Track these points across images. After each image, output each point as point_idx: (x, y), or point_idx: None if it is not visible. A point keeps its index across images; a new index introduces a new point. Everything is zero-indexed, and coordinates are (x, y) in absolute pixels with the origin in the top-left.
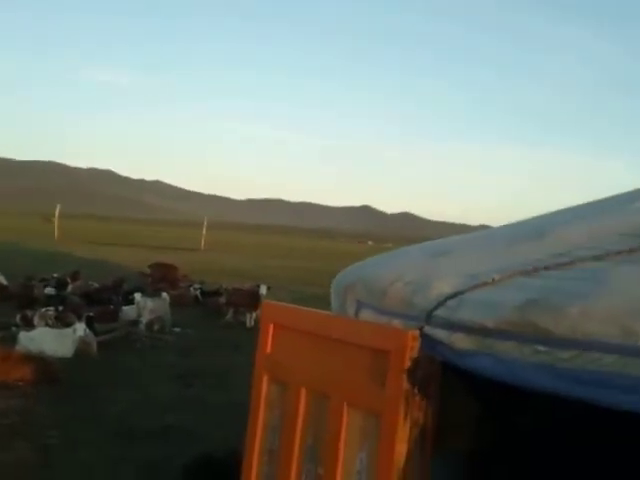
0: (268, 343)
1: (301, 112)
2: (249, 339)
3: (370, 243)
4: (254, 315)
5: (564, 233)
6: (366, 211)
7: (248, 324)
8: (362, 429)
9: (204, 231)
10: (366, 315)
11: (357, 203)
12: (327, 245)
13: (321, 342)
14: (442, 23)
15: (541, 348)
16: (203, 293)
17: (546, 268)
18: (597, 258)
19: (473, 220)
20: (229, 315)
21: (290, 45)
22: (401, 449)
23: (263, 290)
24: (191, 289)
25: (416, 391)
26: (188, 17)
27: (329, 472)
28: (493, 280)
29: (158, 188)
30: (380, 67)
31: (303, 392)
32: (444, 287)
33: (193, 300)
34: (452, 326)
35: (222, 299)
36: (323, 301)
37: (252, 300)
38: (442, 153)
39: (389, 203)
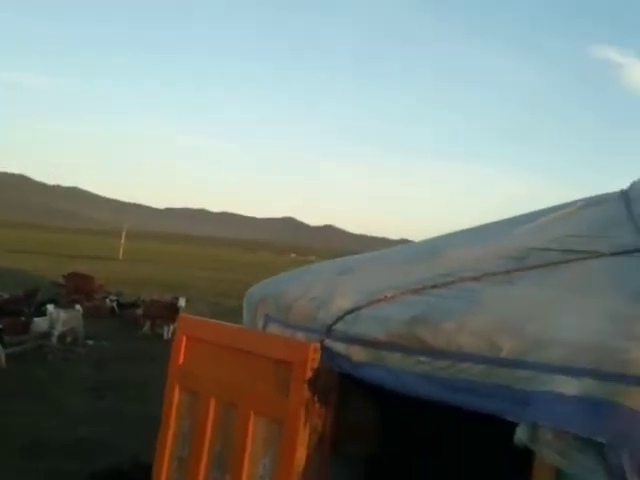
0: (181, 354)
1: (225, 121)
2: (166, 351)
3: (293, 255)
4: (172, 327)
5: (452, 255)
6: (289, 223)
7: (166, 336)
8: (266, 436)
9: (123, 240)
10: (273, 328)
11: (280, 215)
12: (249, 257)
13: (230, 354)
14: (369, 39)
15: (422, 359)
16: (120, 305)
17: (432, 287)
18: (476, 279)
19: (394, 234)
20: (146, 327)
21: (217, 52)
22: (301, 454)
23: (182, 302)
24: (107, 300)
25: (316, 400)
26: (106, 22)
27: (235, 478)
28: (386, 297)
29: (75, 195)
30: (308, 76)
31: (212, 402)
32: (344, 303)
33: (109, 312)
34: (349, 339)
35: (139, 311)
36: (241, 314)
37: (170, 312)
38: (365, 167)
39: (312, 215)
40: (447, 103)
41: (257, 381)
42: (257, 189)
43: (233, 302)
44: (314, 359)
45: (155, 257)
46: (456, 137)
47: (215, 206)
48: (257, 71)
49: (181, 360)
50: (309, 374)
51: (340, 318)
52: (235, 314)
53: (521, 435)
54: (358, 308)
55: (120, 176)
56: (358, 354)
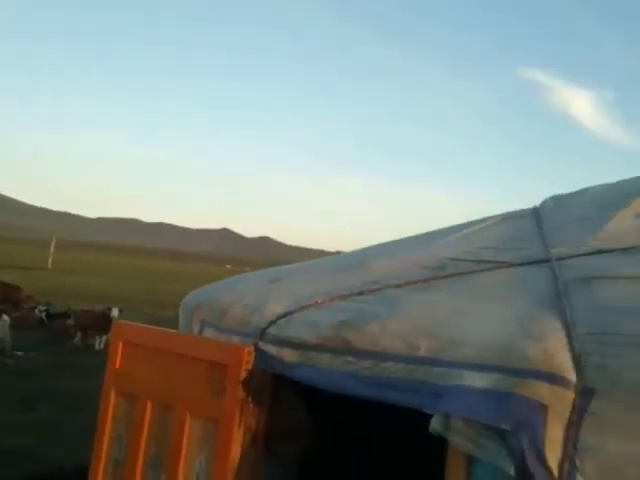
0: (117, 359)
1: (160, 130)
2: (99, 362)
3: (228, 266)
4: (104, 338)
5: (378, 265)
6: (225, 234)
7: (98, 347)
8: (201, 435)
9: (52, 250)
10: (209, 333)
11: (216, 226)
12: (185, 267)
13: (167, 358)
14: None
15: (349, 359)
16: (49, 315)
17: (358, 294)
18: (398, 286)
19: (330, 247)
20: (77, 338)
21: (153, 59)
22: (236, 452)
23: (115, 312)
24: (36, 311)
25: (250, 400)
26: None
27: (171, 476)
28: (316, 303)
29: (1, 202)
30: (242, 85)
31: (149, 404)
32: (276, 308)
33: (38, 322)
34: (281, 342)
35: (70, 321)
36: (177, 324)
37: (102, 322)
38: (302, 179)
39: (248, 227)
40: (378, 118)
41: (193, 383)
42: (192, 200)
43: (169, 312)
44: (248, 361)
45: (86, 267)
46: (391, 152)
47: (148, 216)
48: (191, 82)
49: (117, 364)
50: (243, 375)
51: (273, 322)
52: (171, 324)
53: (435, 425)
54: (290, 313)
55: (49, 184)
56: (290, 355)
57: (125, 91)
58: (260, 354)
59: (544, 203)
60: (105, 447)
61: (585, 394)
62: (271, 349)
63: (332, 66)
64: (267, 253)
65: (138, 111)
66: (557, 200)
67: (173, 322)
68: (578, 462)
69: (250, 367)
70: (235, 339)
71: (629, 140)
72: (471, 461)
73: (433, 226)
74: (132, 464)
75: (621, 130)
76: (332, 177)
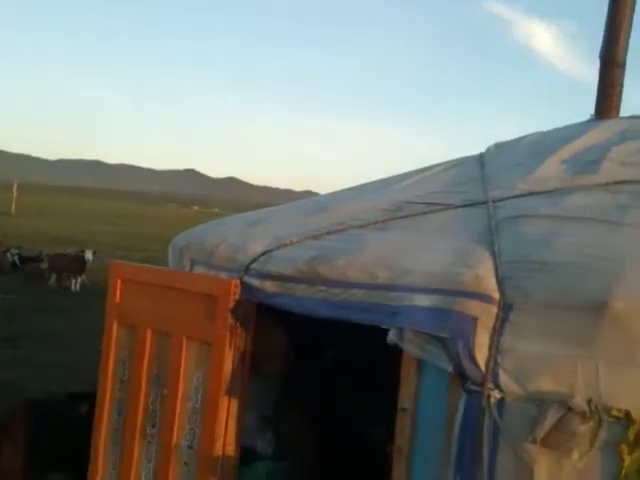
0: (117, 295)
1: (121, 69)
2: (76, 304)
3: (195, 208)
4: (79, 280)
5: (343, 208)
6: (191, 175)
7: (73, 289)
8: (197, 356)
9: (15, 194)
10: (199, 270)
11: (181, 166)
12: (151, 209)
13: (163, 292)
14: None
15: (321, 288)
16: (22, 259)
17: (327, 233)
18: (361, 226)
19: (297, 186)
20: (52, 280)
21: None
22: (227, 368)
23: (89, 255)
24: (8, 255)
25: (238, 325)
26: None
27: (172, 391)
28: (291, 242)
29: None
30: (209, 26)
31: (149, 332)
32: (257, 247)
33: (10, 266)
34: (263, 276)
35: (43, 264)
36: (152, 264)
37: (77, 265)
38: (269, 120)
39: (214, 167)
40: (342, 58)
41: (188, 312)
42: (155, 140)
43: (140, 255)
44: (235, 292)
45: (51, 211)
46: (358, 94)
47: (111, 158)
48: (151, 16)
49: (117, 300)
50: (232, 305)
51: (255, 259)
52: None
53: (392, 337)
54: (269, 251)
55: (5, 125)
56: (271, 287)
57: (81, 27)
58: (245, 286)
59: (488, 150)
60: (111, 370)
61: (505, 308)
62: (254, 282)
63: (307, 7)
64: (235, 194)
65: (96, 49)
66: (499, 147)
67: (146, 263)
68: (499, 360)
69: (237, 298)
70: (223, 274)
71: (591, 74)
72: (420, 364)
73: (396, 166)
74: (136, 383)
75: (583, 63)
76: (299, 117)
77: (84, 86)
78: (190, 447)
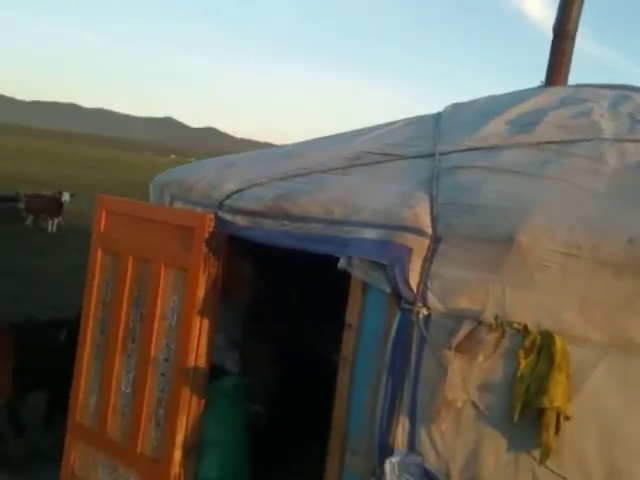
0: (102, 225)
1: (100, 12)
2: (53, 243)
3: (173, 157)
4: (56, 221)
5: (310, 155)
6: (169, 123)
7: (50, 230)
8: (174, 281)
9: None
10: (178, 205)
11: (159, 114)
12: (128, 156)
13: (144, 224)
14: None
15: (285, 222)
16: None
17: (293, 176)
18: (323, 171)
19: (277, 140)
20: (29, 220)
21: None
22: (201, 293)
23: (66, 197)
24: None
25: (211, 255)
26: None
27: (150, 311)
28: (261, 182)
29: None
30: None
31: (130, 259)
32: (231, 186)
33: None
34: (235, 211)
35: (20, 204)
36: None
37: (54, 206)
38: (252, 72)
39: (193, 117)
40: (326, 10)
41: (167, 242)
42: (134, 86)
43: None
44: (210, 225)
45: (25, 153)
46: (346, 50)
47: (88, 101)
48: None
49: (102, 229)
50: (206, 236)
51: (228, 196)
52: None
53: (342, 263)
54: (241, 189)
55: None
56: (242, 221)
57: None
58: (219, 220)
59: (445, 109)
60: (95, 293)
61: (436, 241)
62: (227, 216)
63: None
64: (213, 144)
65: None
66: (455, 107)
67: None
68: (428, 283)
69: (211, 230)
70: (199, 209)
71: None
72: (364, 287)
73: (373, 121)
74: (118, 304)
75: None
76: (280, 71)
77: (61, 23)
78: (166, 360)
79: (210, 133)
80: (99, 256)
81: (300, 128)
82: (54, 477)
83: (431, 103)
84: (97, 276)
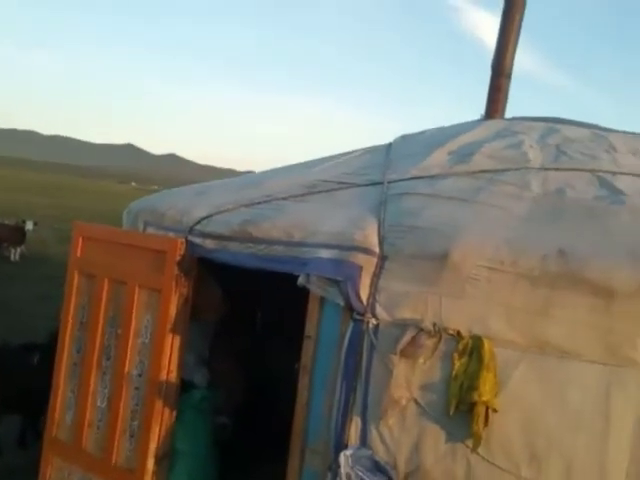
0: (78, 250)
1: (58, 37)
2: (17, 272)
3: (134, 184)
4: (19, 250)
5: (271, 183)
6: (130, 150)
7: (13, 258)
8: (148, 301)
9: None
10: (151, 230)
11: (120, 141)
12: (88, 184)
13: (120, 248)
14: None
15: (250, 245)
16: None
17: (257, 203)
18: (284, 198)
19: (240, 166)
20: None
21: None
22: (172, 311)
23: (29, 225)
24: None
25: (183, 276)
26: None
27: (125, 330)
28: (228, 209)
29: None
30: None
31: (106, 281)
32: (200, 212)
33: None
34: (204, 235)
35: None
36: None
37: (17, 235)
38: (212, 97)
39: (155, 143)
40: (283, 35)
41: (141, 265)
42: (93, 112)
43: None
44: (181, 248)
45: None
46: (299, 74)
47: (46, 129)
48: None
49: (78, 254)
50: (178, 259)
51: (198, 222)
52: None
53: (302, 280)
54: (210, 215)
55: None
56: (211, 244)
57: None
58: (189, 244)
59: (396, 140)
60: (72, 314)
61: (383, 259)
62: (197, 240)
63: None
64: (175, 171)
65: (31, 16)
66: (404, 138)
67: None
68: (377, 296)
69: (182, 253)
70: (171, 234)
71: (534, 65)
72: (321, 301)
73: (339, 146)
74: (94, 324)
75: (527, 55)
76: (243, 96)
77: (17, 52)
78: (140, 375)
79: (171, 160)
80: (76, 279)
81: (261, 154)
82: None
83: (392, 127)
84: (74, 298)
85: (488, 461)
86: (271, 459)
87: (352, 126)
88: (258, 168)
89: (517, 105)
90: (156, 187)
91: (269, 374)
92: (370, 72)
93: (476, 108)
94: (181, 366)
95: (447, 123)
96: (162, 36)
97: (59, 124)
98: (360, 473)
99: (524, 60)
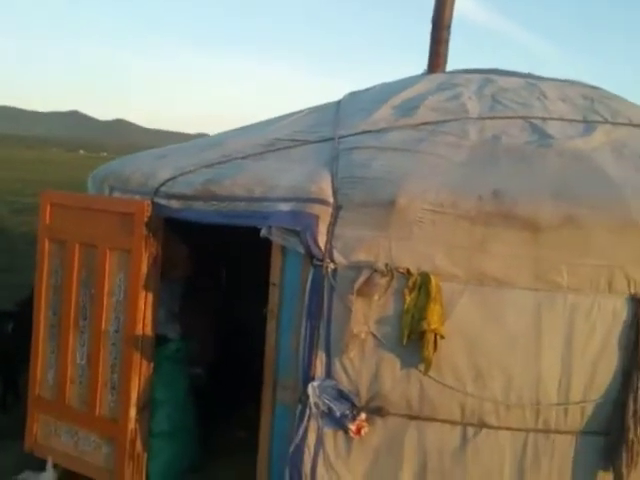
0: (47, 217)
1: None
2: None
3: (82, 152)
4: None
5: (230, 143)
6: (75, 117)
7: None
8: (119, 262)
9: None
10: (117, 194)
11: (65, 108)
12: (35, 154)
13: (88, 213)
14: None
15: (213, 202)
16: None
17: (218, 163)
18: (243, 158)
19: (190, 129)
20: None
21: None
22: (143, 269)
23: None
24: None
25: (151, 236)
26: None
27: (99, 289)
28: (190, 170)
29: None
30: None
31: (77, 246)
32: (164, 175)
33: None
34: (169, 196)
35: None
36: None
37: None
38: (157, 60)
39: (101, 109)
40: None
41: (110, 228)
42: (36, 80)
43: (30, 200)
44: (148, 210)
45: None
46: (248, 32)
47: None
48: None
49: (47, 221)
50: (145, 220)
51: (163, 184)
52: (34, 211)
53: (264, 232)
54: (174, 177)
55: None
56: (176, 204)
57: None
58: (155, 205)
59: (344, 97)
60: (45, 279)
61: (337, 209)
62: (163, 201)
63: None
64: (124, 137)
65: None
66: (352, 95)
67: (35, 209)
68: (333, 243)
69: (149, 214)
70: (137, 197)
71: (497, 23)
72: (283, 250)
73: (290, 107)
74: (68, 286)
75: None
76: (190, 56)
77: None
78: (116, 331)
79: (119, 125)
80: (46, 246)
81: (212, 117)
82: (19, 451)
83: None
84: (46, 264)
85: (438, 382)
86: (243, 406)
87: (303, 87)
88: (210, 130)
89: (462, 53)
90: (105, 154)
91: (238, 327)
92: (316, 34)
93: (420, 61)
94: (155, 320)
95: (397, 76)
96: (105, 1)
97: (2, 94)
98: (327, 401)
99: (468, 6)
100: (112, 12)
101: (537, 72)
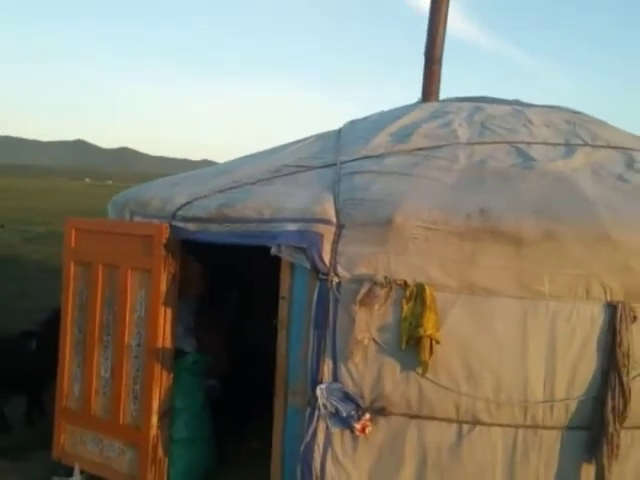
0: (72, 241)
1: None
2: None
3: (87, 180)
4: None
5: (239, 170)
6: (80, 146)
7: None
8: (140, 281)
9: None
10: (137, 219)
11: (69, 137)
12: (42, 184)
13: (111, 237)
14: None
15: (227, 224)
16: None
17: (229, 189)
18: (252, 183)
19: (195, 156)
20: None
21: None
22: (163, 288)
23: None
24: None
25: (169, 257)
26: None
27: (121, 306)
28: (205, 195)
29: None
30: None
31: (100, 267)
32: (181, 200)
33: None
34: (186, 219)
35: None
36: (55, 237)
37: None
38: (162, 86)
39: (105, 137)
40: (236, 23)
41: (131, 250)
42: (39, 111)
43: (41, 228)
44: (166, 233)
45: None
46: (249, 56)
47: None
48: None
49: (72, 244)
50: (164, 241)
51: (179, 208)
52: (50, 237)
53: (274, 250)
54: (190, 202)
55: None
56: (192, 227)
57: None
58: (173, 228)
59: (344, 125)
60: (70, 299)
61: (339, 227)
62: (180, 224)
63: None
64: (129, 165)
65: None
66: (352, 123)
67: (46, 237)
68: (337, 259)
69: (167, 236)
70: (155, 221)
71: (473, 32)
72: (292, 266)
73: (290, 129)
74: (93, 305)
75: (472, 24)
76: (194, 83)
77: None
78: (138, 345)
79: (124, 153)
80: (72, 268)
81: (214, 141)
82: (46, 460)
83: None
84: (71, 284)
85: (435, 383)
86: (254, 419)
87: (304, 110)
88: (213, 156)
89: (457, 75)
90: (111, 182)
91: (247, 347)
92: (317, 60)
93: (415, 89)
94: (174, 335)
95: (395, 102)
96: (106, 30)
97: (5, 125)
98: (334, 402)
99: (464, 28)
100: (115, 41)
101: (526, 93)
